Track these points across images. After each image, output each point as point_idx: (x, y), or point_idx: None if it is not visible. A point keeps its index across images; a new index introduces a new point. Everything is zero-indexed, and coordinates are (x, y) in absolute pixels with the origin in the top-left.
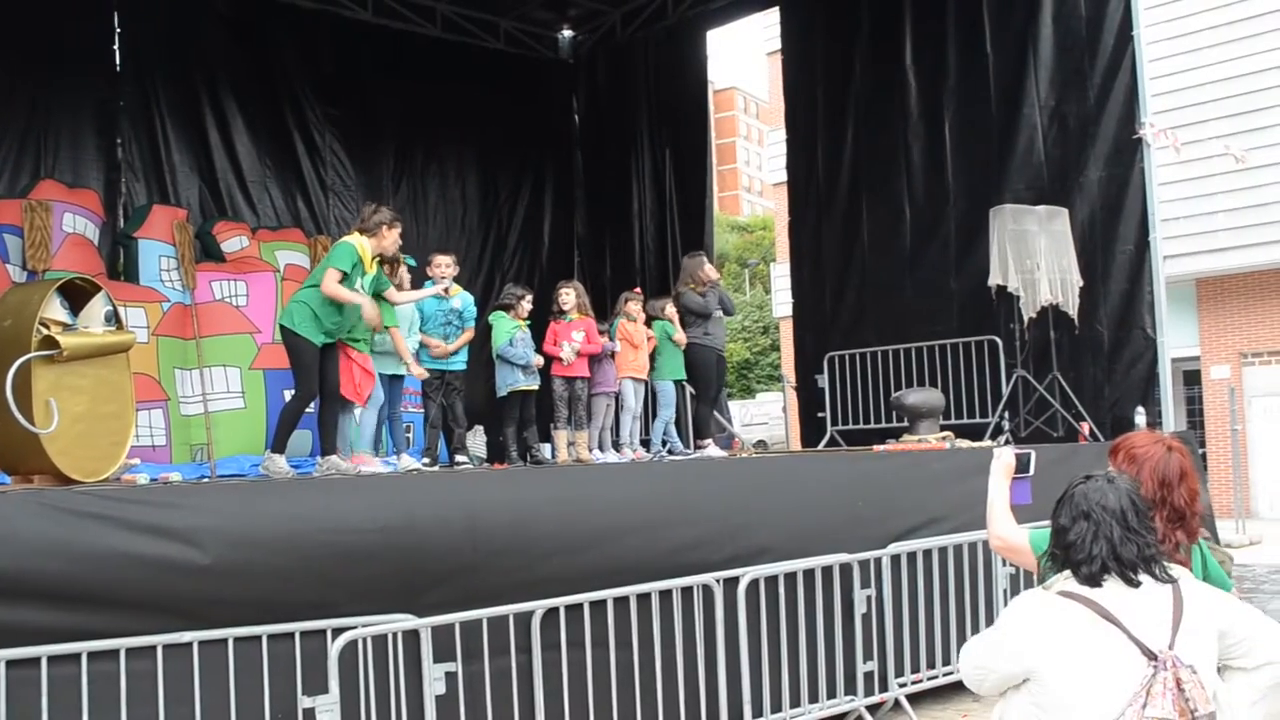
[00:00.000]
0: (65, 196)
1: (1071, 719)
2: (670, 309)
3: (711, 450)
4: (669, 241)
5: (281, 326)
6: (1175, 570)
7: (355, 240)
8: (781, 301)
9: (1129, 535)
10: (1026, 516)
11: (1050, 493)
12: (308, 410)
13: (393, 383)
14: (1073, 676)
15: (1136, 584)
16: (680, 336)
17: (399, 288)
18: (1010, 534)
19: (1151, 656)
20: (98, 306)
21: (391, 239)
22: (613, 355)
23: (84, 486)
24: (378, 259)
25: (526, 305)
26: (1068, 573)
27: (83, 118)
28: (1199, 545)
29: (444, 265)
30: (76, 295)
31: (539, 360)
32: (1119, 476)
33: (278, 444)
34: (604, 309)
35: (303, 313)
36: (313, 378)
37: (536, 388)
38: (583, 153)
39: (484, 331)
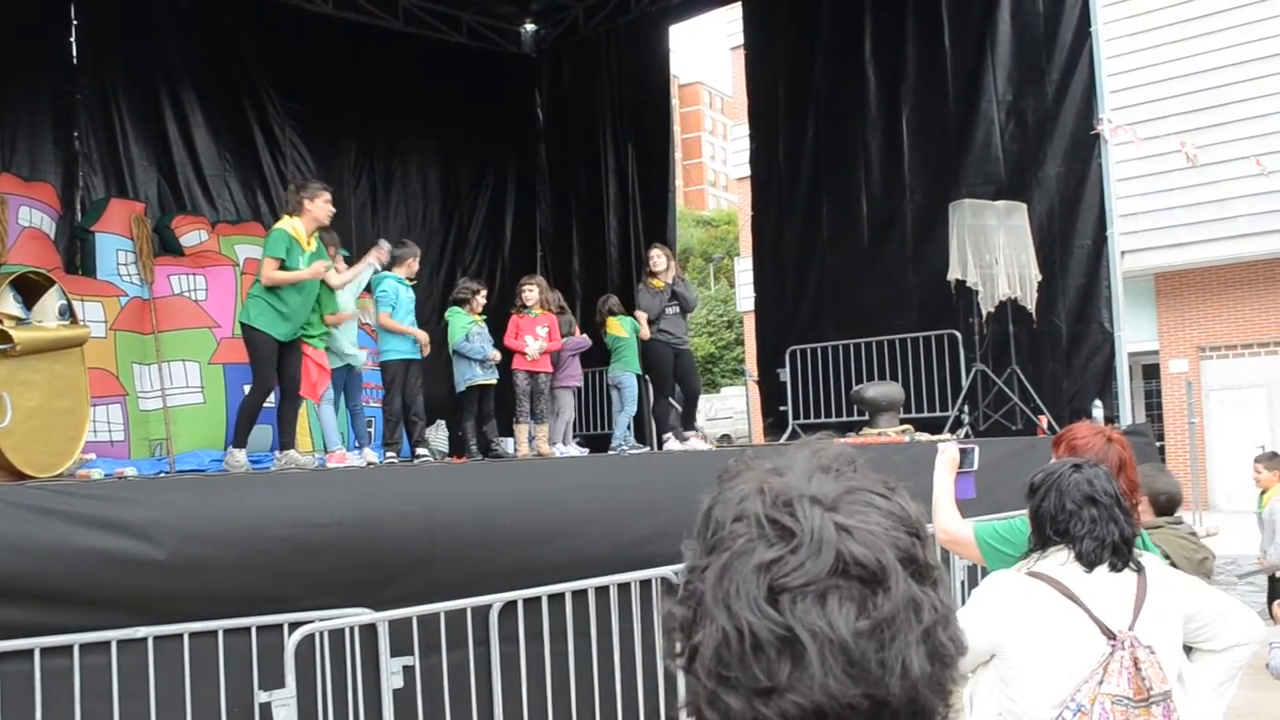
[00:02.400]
0: (21, 190)
1: (1031, 692)
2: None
3: (671, 444)
4: (632, 235)
5: (241, 323)
6: (1144, 557)
7: (286, 224)
8: (745, 296)
9: (1127, 519)
10: (971, 510)
11: (999, 486)
12: (268, 405)
13: (348, 374)
14: (1034, 652)
15: (1123, 566)
16: (645, 331)
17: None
18: (955, 527)
19: (1111, 636)
20: (51, 300)
21: (320, 208)
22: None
23: (38, 482)
24: (316, 234)
25: (481, 300)
26: (1038, 555)
27: (39, 110)
28: (1141, 536)
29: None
30: (30, 289)
31: (496, 355)
32: (1100, 464)
33: (238, 439)
34: (572, 304)
35: (259, 307)
36: (270, 371)
37: (494, 382)
38: (546, 147)
39: (443, 327)
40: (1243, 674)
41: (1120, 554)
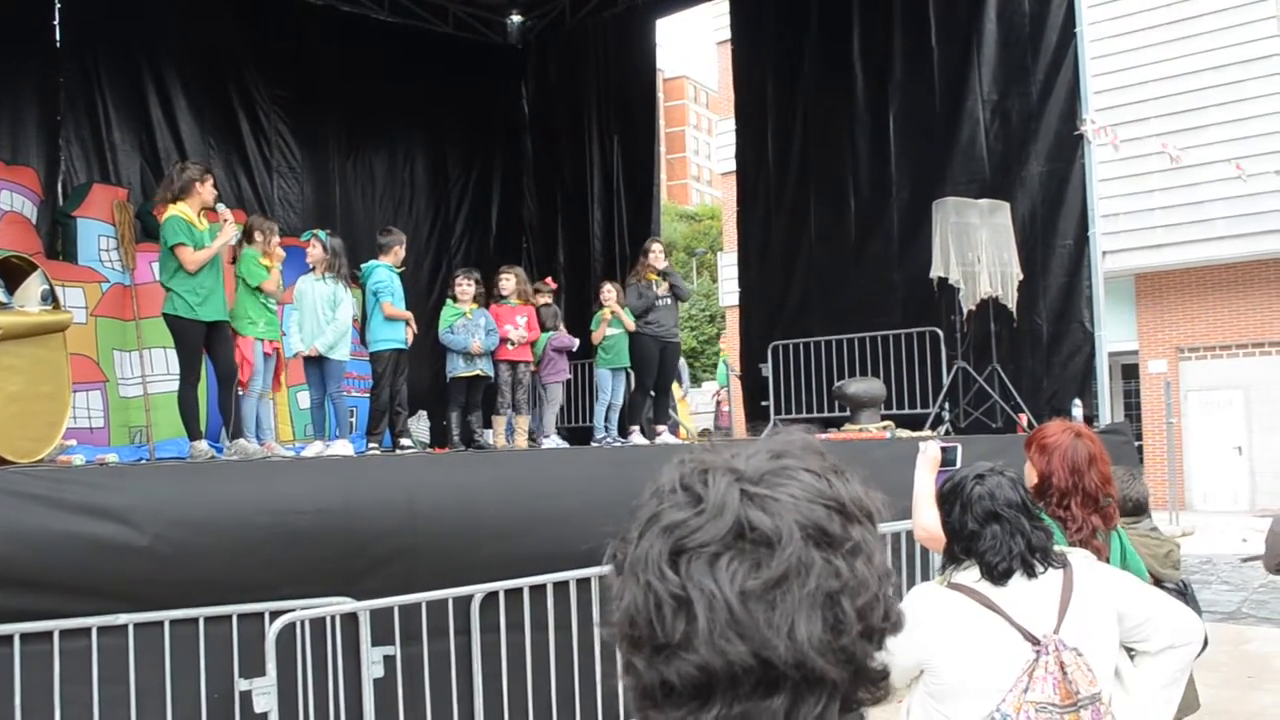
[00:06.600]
0: (3, 174)
1: (959, 706)
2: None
3: (636, 438)
4: (616, 228)
5: (164, 315)
6: (1073, 554)
7: (175, 210)
8: (728, 291)
9: (1034, 526)
10: None
11: None
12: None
13: (326, 365)
14: (959, 665)
15: (1038, 573)
16: (630, 323)
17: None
18: (933, 524)
19: (1035, 642)
20: (34, 285)
21: (208, 191)
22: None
23: (18, 467)
24: (203, 212)
25: (463, 288)
26: (953, 567)
27: (22, 94)
28: (1117, 532)
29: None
30: (12, 274)
31: (475, 346)
32: (1004, 468)
33: (192, 432)
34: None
35: (177, 296)
36: (198, 358)
37: (483, 374)
38: (532, 138)
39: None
40: (1185, 675)
41: (1030, 563)
